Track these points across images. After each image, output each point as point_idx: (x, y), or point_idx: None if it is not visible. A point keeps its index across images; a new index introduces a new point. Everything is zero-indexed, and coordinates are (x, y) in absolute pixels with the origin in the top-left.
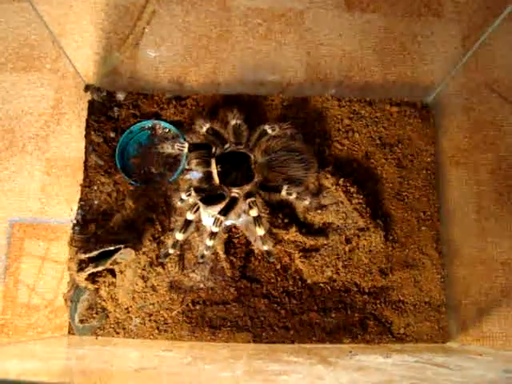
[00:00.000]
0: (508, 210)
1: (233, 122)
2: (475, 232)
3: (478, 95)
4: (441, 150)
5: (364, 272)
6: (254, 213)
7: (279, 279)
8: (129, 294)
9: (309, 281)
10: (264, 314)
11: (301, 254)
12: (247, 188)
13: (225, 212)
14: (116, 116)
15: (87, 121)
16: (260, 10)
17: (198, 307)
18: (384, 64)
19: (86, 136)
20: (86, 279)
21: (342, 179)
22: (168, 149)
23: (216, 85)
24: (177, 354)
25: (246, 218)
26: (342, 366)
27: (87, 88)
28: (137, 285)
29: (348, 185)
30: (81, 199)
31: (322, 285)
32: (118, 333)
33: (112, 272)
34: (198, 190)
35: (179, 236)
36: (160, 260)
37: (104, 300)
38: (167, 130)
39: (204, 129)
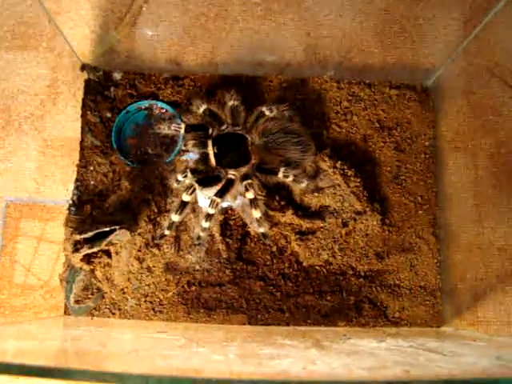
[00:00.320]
0: (506, 195)
1: (230, 103)
2: (472, 217)
3: (478, 79)
4: (440, 134)
5: (360, 255)
6: (250, 195)
7: (275, 261)
8: (124, 274)
9: (305, 263)
10: (259, 296)
11: (297, 236)
12: (244, 170)
13: (221, 194)
14: (112, 96)
15: (83, 100)
16: None
17: (193, 288)
18: (384, 46)
19: (82, 116)
20: (82, 260)
21: (339, 162)
22: (165, 129)
23: (214, 65)
24: (171, 335)
25: (243, 200)
26: (335, 351)
27: (83, 67)
28: (132, 266)
29: (345, 168)
30: (77, 179)
31: (317, 268)
32: (113, 313)
33: (107, 253)
34: (194, 171)
35: (175, 217)
36: (156, 241)
37: (99, 281)
38: (164, 111)
39: (201, 110)
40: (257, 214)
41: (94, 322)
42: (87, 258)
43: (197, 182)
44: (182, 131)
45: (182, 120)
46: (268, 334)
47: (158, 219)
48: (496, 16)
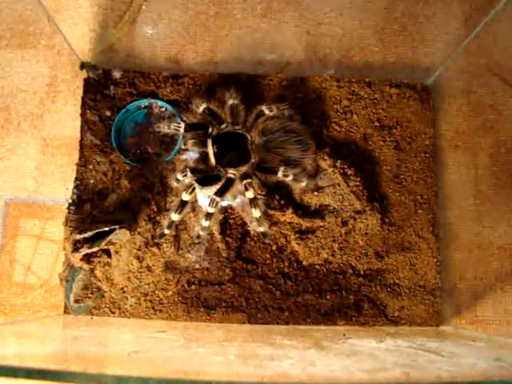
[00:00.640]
0: (506, 194)
1: (230, 102)
2: (472, 216)
3: (478, 78)
4: (440, 133)
5: (360, 254)
6: (250, 194)
7: (275, 260)
8: (124, 274)
9: (304, 262)
10: (259, 294)
11: (297, 235)
12: (243, 169)
13: (221, 193)
14: (112, 94)
15: (83, 99)
16: None
17: (193, 287)
18: (384, 44)
19: (81, 114)
20: (81, 259)
21: (339, 161)
22: (164, 128)
23: (214, 63)
24: (171, 335)
25: (242, 199)
26: (335, 351)
27: (83, 66)
28: (132, 265)
29: (345, 167)
30: (76, 178)
31: (317, 267)
32: (113, 312)
33: (107, 252)
34: (193, 170)
35: (175, 217)
36: (155, 240)
37: (99, 280)
38: (164, 109)
39: (201, 108)
40: (256, 213)
41: (93, 322)
42: (87, 258)
43: (196, 181)
44: (182, 130)
45: (181, 119)
46: (267, 334)
47: (158, 218)
48: (497, 15)
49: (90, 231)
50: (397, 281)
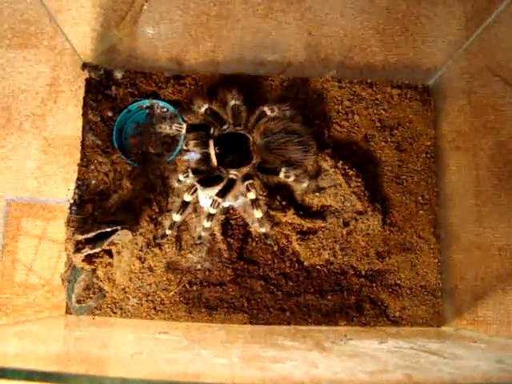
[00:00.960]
0: (507, 195)
1: (232, 103)
2: (473, 217)
3: (480, 79)
4: (441, 133)
5: (361, 255)
6: (251, 195)
7: (276, 261)
8: (126, 274)
9: (306, 263)
10: (260, 295)
11: (298, 236)
12: (245, 170)
13: (222, 194)
14: (114, 95)
15: (84, 99)
16: None
17: (194, 288)
18: (386, 45)
19: (83, 115)
20: (83, 260)
21: (340, 162)
22: (166, 129)
23: (215, 64)
24: (173, 336)
25: (244, 199)
26: (337, 353)
27: (84, 66)
28: (134, 265)
29: (347, 167)
30: (78, 179)
31: (318, 267)
32: (115, 313)
33: (109, 253)
34: (195, 171)
35: (176, 217)
36: (157, 241)
37: (101, 280)
38: (165, 110)
39: (202, 109)
40: (258, 214)
41: (95, 322)
42: (89, 258)
43: (198, 181)
44: (184, 131)
45: (183, 119)
46: (269, 334)
47: (160, 219)
48: (498, 16)
49: (91, 232)
50: (398, 281)
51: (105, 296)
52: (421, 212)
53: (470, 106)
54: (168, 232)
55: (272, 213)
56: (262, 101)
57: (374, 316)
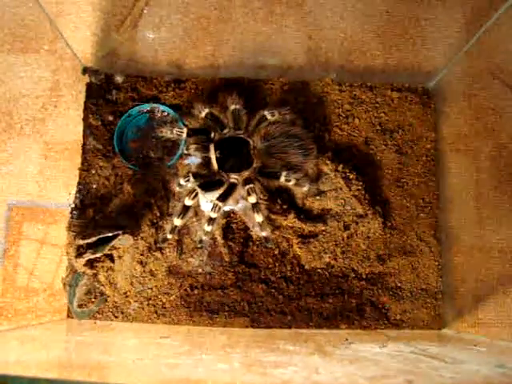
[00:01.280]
0: (507, 197)
1: (232, 107)
2: (474, 219)
3: (480, 81)
4: (441, 136)
5: (362, 258)
6: (252, 199)
7: (277, 264)
8: (127, 278)
9: (307, 266)
10: (261, 299)
11: (299, 239)
12: (246, 174)
13: (223, 198)
14: (114, 99)
15: (85, 104)
16: None
17: (196, 292)
18: (386, 48)
19: (84, 119)
20: (85, 265)
21: (341, 165)
22: (167, 133)
23: (215, 68)
24: (174, 341)
25: (245, 203)
26: (338, 357)
27: (85, 70)
28: (135, 270)
29: (347, 171)
30: (79, 183)
31: (319, 270)
32: (116, 317)
33: (110, 257)
34: (196, 175)
35: (177, 221)
36: (158, 245)
37: (102, 285)
38: (166, 114)
39: (203, 113)
40: (259, 218)
41: (97, 326)
42: (90, 263)
43: (199, 186)
44: (184, 135)
45: (183, 123)
46: (270, 338)
47: (161, 223)
48: (498, 19)
49: (93, 237)
50: (399, 284)
51: (106, 300)
52: (421, 215)
53: (470, 108)
54: (169, 236)
55: (273, 216)
56: (262, 105)
57: (374, 319)
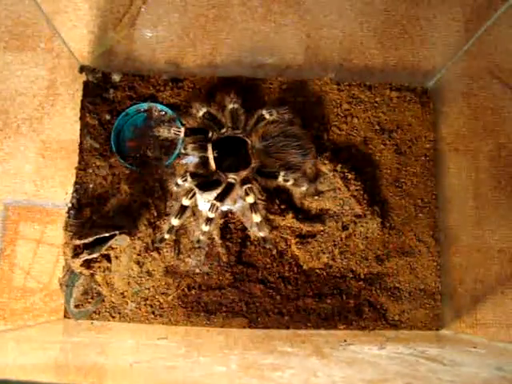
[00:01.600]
0: (506, 198)
1: (230, 107)
2: (472, 219)
3: (479, 81)
4: (440, 136)
5: (360, 258)
6: (250, 199)
7: (275, 265)
8: (124, 278)
9: (305, 267)
10: (259, 299)
11: (297, 239)
12: (244, 174)
13: (221, 198)
14: (111, 98)
15: (82, 102)
16: None
17: (193, 292)
18: (385, 47)
19: (80, 118)
20: (81, 265)
21: (339, 165)
22: (164, 132)
23: (213, 66)
24: (172, 342)
25: (243, 203)
26: (336, 359)
27: (82, 69)
28: (132, 270)
29: (345, 171)
30: (76, 182)
31: (317, 271)
32: (113, 317)
33: (107, 257)
34: (193, 175)
35: (175, 221)
36: (155, 245)
37: (99, 285)
38: (163, 113)
39: (201, 113)
40: (257, 217)
41: (94, 327)
42: (87, 263)
43: (197, 186)
44: (182, 134)
45: (181, 123)
46: (268, 339)
47: (158, 223)
48: (498, 18)
49: (89, 237)
50: (397, 284)
51: (103, 300)
52: (420, 215)
53: (470, 108)
54: (166, 236)
55: (271, 216)
56: (260, 104)
57: (373, 319)
